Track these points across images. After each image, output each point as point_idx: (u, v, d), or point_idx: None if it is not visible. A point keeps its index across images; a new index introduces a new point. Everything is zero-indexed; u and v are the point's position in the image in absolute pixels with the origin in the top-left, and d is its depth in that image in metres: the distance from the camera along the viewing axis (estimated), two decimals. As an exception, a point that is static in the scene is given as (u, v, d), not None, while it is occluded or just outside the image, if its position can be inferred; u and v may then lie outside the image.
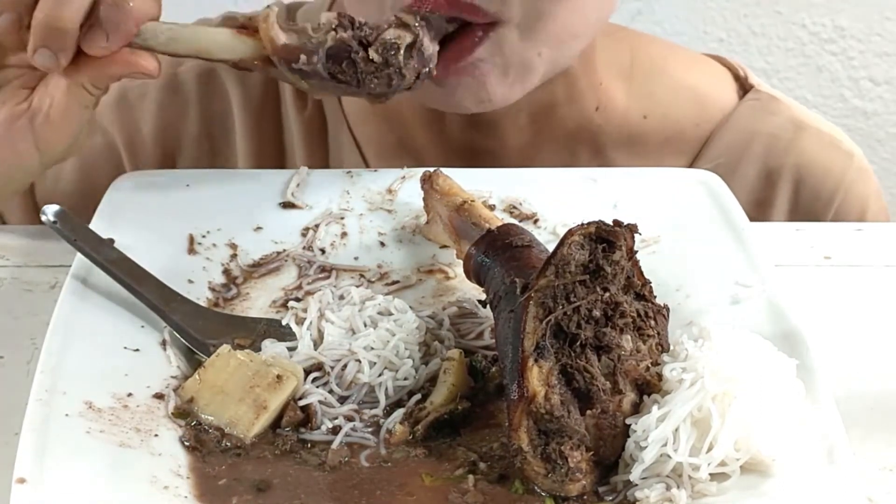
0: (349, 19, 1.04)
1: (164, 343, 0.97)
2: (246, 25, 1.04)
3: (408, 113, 1.31)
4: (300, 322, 0.99)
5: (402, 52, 1.04)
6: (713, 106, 1.35)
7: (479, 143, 1.28)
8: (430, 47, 1.08)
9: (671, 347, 0.91)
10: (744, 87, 1.37)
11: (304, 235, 1.10)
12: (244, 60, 1.05)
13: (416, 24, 1.06)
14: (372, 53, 1.04)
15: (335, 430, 0.91)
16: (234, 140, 1.35)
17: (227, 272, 1.07)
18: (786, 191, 1.33)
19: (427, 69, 1.07)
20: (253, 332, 0.99)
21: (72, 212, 1.03)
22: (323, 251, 1.09)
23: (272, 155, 1.35)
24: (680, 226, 1.10)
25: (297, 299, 1.04)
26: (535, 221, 1.12)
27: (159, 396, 0.92)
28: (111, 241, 1.03)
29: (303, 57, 1.03)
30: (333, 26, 1.04)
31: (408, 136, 1.31)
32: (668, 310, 0.93)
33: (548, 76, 1.20)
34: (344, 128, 1.33)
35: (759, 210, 1.31)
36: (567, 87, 1.28)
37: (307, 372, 0.94)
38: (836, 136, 1.36)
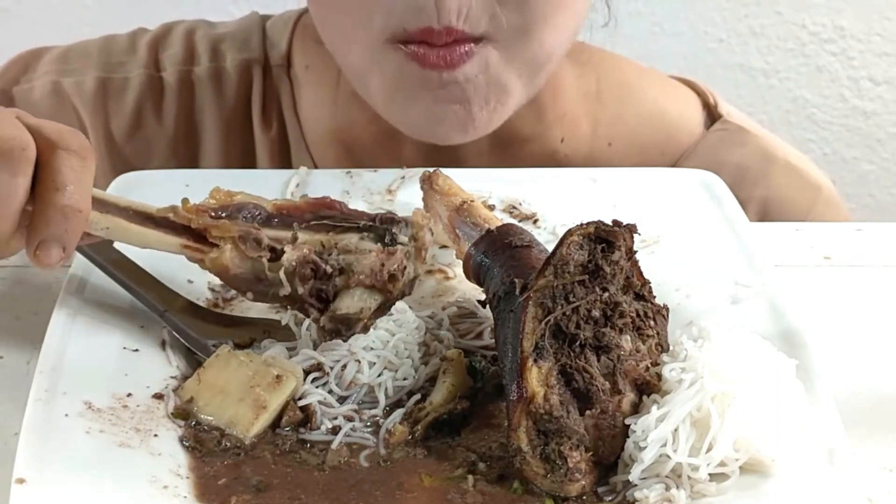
0: (313, 266, 0.94)
1: (163, 343, 0.97)
2: (203, 234, 0.95)
3: (366, 137, 1.30)
4: (300, 322, 0.98)
5: (358, 327, 0.93)
6: (680, 133, 1.34)
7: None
8: (406, 289, 0.96)
9: (671, 347, 0.91)
10: (712, 115, 1.36)
11: (303, 235, 1.10)
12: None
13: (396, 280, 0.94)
14: (324, 320, 0.94)
15: (335, 431, 0.91)
16: (204, 151, 1.35)
17: (226, 272, 1.07)
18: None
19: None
20: (253, 332, 0.99)
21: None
22: (323, 251, 1.09)
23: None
24: (680, 226, 1.10)
25: (297, 299, 1.03)
26: (535, 221, 1.12)
27: (159, 396, 0.92)
28: (111, 241, 1.02)
29: (249, 294, 0.96)
30: (288, 278, 0.94)
31: (366, 160, 1.31)
32: (667, 310, 0.93)
33: (520, 104, 1.20)
34: (303, 148, 1.33)
35: None
36: (534, 121, 1.29)
37: (307, 372, 0.94)
38: (805, 169, 1.36)
